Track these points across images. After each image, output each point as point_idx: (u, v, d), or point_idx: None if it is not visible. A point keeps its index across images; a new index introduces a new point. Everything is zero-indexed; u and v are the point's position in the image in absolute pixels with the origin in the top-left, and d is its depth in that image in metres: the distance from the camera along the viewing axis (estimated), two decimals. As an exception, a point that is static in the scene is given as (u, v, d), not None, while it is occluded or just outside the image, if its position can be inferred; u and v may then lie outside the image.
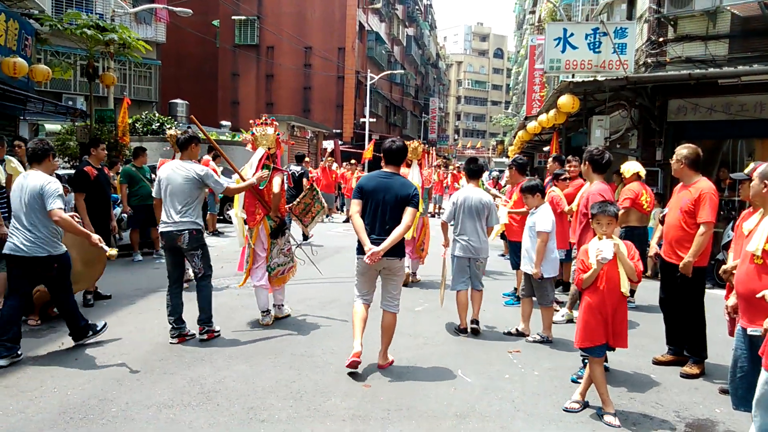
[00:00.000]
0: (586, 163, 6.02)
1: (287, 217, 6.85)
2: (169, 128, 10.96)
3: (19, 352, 5.05)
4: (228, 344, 5.62)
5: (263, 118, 6.79)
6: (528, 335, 6.14)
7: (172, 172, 5.79)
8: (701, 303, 5.29)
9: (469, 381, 4.87)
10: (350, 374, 4.87)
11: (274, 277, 6.50)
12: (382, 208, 4.93)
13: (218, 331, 5.92)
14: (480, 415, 4.20)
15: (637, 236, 7.37)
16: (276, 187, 6.28)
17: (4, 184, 7.17)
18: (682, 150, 5.23)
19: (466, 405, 4.37)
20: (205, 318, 5.83)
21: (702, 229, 5.01)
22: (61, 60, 18.91)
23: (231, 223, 6.53)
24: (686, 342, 5.34)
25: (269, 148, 6.46)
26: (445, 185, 20.62)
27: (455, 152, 72.87)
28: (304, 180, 12.37)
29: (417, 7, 55.89)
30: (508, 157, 32.95)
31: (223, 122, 31.96)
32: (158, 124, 22.24)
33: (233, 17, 36.78)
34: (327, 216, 15.31)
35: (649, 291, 8.67)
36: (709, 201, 4.98)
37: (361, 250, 4.97)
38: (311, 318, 6.68)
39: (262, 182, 6.25)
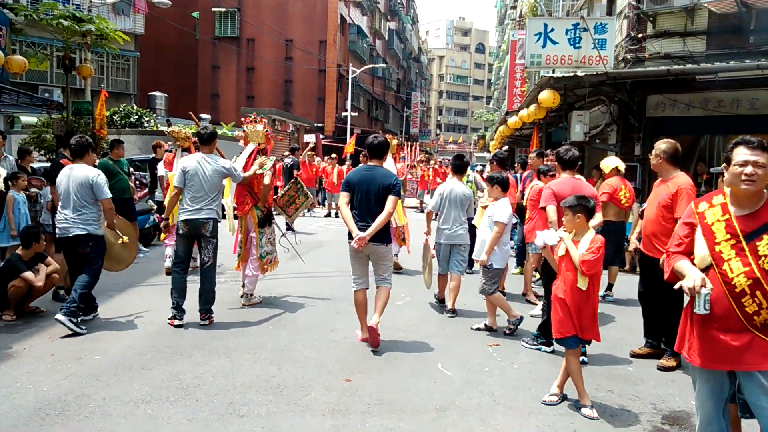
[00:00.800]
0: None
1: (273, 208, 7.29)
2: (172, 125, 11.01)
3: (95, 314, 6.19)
4: (207, 339, 5.58)
5: (252, 116, 7.30)
6: (495, 328, 6.20)
7: (199, 164, 6.19)
8: (679, 297, 5.35)
9: (450, 374, 4.89)
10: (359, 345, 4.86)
11: (266, 264, 7.02)
12: (367, 198, 5.44)
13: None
14: (460, 409, 4.22)
15: (614, 231, 7.46)
16: (267, 179, 6.77)
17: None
18: (661, 145, 5.28)
19: (447, 398, 4.38)
20: (209, 306, 6.23)
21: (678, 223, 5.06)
22: (37, 51, 18.60)
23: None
24: (663, 335, 5.41)
25: (259, 144, 7.06)
26: (426, 179, 20.61)
27: (437, 147, 73.08)
28: (295, 171, 12.65)
29: (399, 0, 55.81)
30: (489, 151, 33.11)
31: (203, 115, 31.58)
32: (136, 117, 21.97)
33: (213, 9, 36.35)
34: (308, 210, 15.40)
35: (628, 285, 8.76)
36: (687, 196, 5.04)
37: (351, 235, 5.43)
38: (292, 313, 6.64)
39: (263, 168, 6.76)
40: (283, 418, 3.97)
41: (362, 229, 5.34)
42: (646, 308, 5.65)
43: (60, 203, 6.04)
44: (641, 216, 5.85)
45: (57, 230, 6.05)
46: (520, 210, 8.28)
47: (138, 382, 4.47)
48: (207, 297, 6.21)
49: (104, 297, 6.98)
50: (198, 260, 6.61)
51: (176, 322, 5.98)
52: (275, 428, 3.83)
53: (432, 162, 23.64)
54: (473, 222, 7.24)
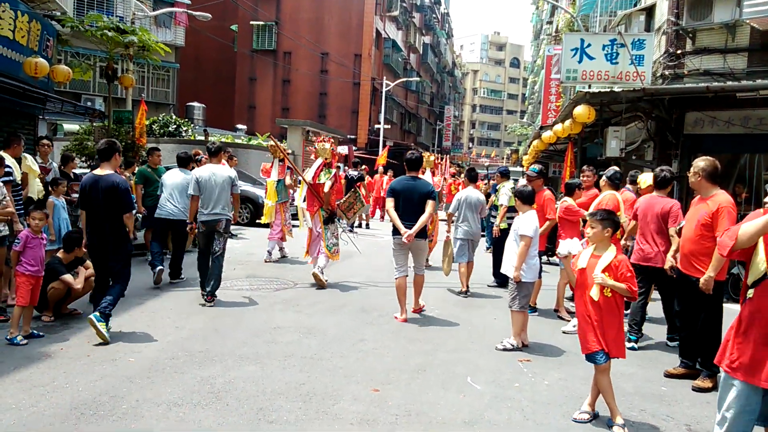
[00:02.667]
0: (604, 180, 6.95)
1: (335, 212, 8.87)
2: (269, 137, 11.92)
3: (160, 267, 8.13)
4: (238, 345, 5.64)
5: (322, 137, 9.41)
6: (527, 344, 6.11)
7: (212, 174, 7.38)
8: (718, 317, 5.24)
9: (479, 388, 4.85)
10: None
11: (333, 253, 8.64)
12: (410, 202, 6.71)
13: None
14: (489, 423, 4.18)
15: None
16: (327, 188, 8.46)
17: (20, 182, 7.27)
18: (700, 162, 5.19)
19: (475, 412, 4.35)
20: (214, 289, 7.28)
21: None
22: (81, 61, 19.15)
23: (240, 224, 9.14)
24: (700, 355, 5.29)
25: (326, 159, 8.72)
26: (453, 193, 20.42)
27: (469, 161, 72.76)
28: (359, 185, 13.73)
29: (434, 15, 56.00)
30: (522, 166, 32.85)
31: (239, 126, 32.20)
32: (175, 127, 22.42)
33: (251, 22, 37.05)
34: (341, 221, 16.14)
35: (660, 303, 8.60)
36: (728, 215, 4.93)
37: (396, 232, 6.76)
38: (321, 322, 6.68)
39: (319, 178, 8.56)
40: (312, 426, 3.98)
41: (407, 227, 6.60)
42: (683, 328, 5.53)
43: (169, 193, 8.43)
44: (678, 234, 5.73)
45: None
46: None
47: (170, 386, 4.55)
48: (215, 280, 7.27)
49: (137, 301, 7.13)
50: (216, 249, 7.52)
51: (206, 298, 7.18)
52: (303, 435, 3.85)
53: (462, 176, 23.49)
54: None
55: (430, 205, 6.70)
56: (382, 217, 20.22)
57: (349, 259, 11.18)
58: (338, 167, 10.41)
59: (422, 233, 6.85)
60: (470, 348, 6.01)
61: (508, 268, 6.12)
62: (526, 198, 6.23)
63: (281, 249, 10.88)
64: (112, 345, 5.47)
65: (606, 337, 4.14)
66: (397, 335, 6.30)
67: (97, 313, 5.57)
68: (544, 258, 8.29)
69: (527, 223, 6.03)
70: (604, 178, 7.43)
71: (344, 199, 9.33)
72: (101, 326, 5.52)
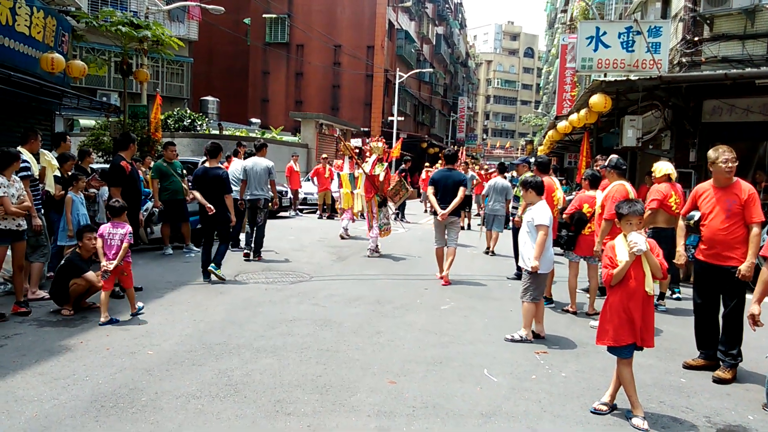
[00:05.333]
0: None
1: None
2: (341, 136, 14.04)
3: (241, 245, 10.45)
4: (255, 338, 5.68)
5: (377, 137, 12.36)
6: (543, 336, 6.08)
7: (255, 164, 9.98)
8: (741, 307, 5.17)
9: (495, 380, 4.84)
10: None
11: (383, 231, 10.90)
12: (446, 189, 8.59)
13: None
14: (506, 415, 4.17)
15: (665, 238, 7.21)
16: (381, 177, 10.71)
17: (37, 177, 7.34)
18: (728, 153, 5.11)
19: (493, 404, 4.34)
20: (258, 249, 9.86)
21: (755, 229, 4.99)
22: (96, 56, 19.30)
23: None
24: (721, 345, 5.23)
25: (378, 155, 10.95)
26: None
27: (483, 152, 72.46)
28: (403, 175, 15.43)
29: (447, 5, 55.65)
30: (536, 156, 32.62)
31: (253, 119, 32.31)
32: (190, 121, 22.55)
33: (264, 15, 37.04)
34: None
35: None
36: (757, 199, 5.04)
37: (435, 213, 8.73)
38: (337, 314, 6.70)
39: (374, 171, 10.78)
40: (329, 418, 4.00)
41: (443, 208, 8.49)
42: (704, 320, 5.46)
43: (252, 180, 9.93)
44: (691, 227, 5.54)
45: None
46: None
47: (189, 378, 4.58)
48: (259, 243, 9.88)
49: (156, 294, 7.19)
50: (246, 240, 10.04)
51: (246, 251, 9.86)
52: (321, 427, 3.86)
53: (477, 167, 23.40)
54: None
55: (461, 190, 8.53)
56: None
57: (364, 252, 11.20)
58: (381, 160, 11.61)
59: (455, 212, 8.64)
60: (486, 340, 6.00)
61: (524, 260, 6.07)
62: (538, 188, 6.13)
63: (346, 229, 13.01)
64: (130, 338, 5.53)
65: (645, 329, 4.12)
66: (413, 327, 6.30)
67: (214, 264, 8.02)
68: (557, 249, 8.18)
69: (542, 212, 5.95)
70: (607, 168, 7.22)
71: (392, 187, 11.10)
72: (219, 272, 8.03)
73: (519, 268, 7.97)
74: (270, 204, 10.09)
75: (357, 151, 11.74)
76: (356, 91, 37.58)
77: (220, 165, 8.45)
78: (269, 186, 10.01)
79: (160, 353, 5.14)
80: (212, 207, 7.99)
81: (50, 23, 10.29)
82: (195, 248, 10.33)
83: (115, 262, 6.18)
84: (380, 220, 10.72)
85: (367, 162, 11.09)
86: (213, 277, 8.08)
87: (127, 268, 6.37)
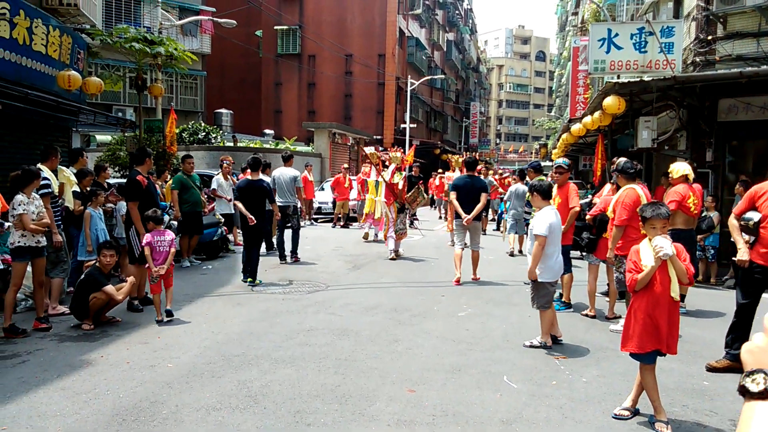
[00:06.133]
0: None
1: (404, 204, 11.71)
2: (367, 147, 14.94)
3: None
4: (273, 349, 5.69)
5: (395, 148, 13.54)
6: (560, 336, 6.02)
7: (282, 174, 10.96)
8: None
9: (515, 387, 4.81)
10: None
11: (400, 234, 11.48)
12: (468, 195, 9.00)
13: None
14: (527, 422, 4.14)
15: (684, 239, 7.12)
16: (400, 186, 11.55)
17: (57, 193, 7.44)
18: None
19: (513, 411, 4.31)
20: (294, 250, 10.81)
21: None
22: (111, 72, 19.55)
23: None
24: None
25: (397, 165, 11.90)
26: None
27: (497, 156, 72.26)
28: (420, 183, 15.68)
29: (457, 11, 55.70)
30: (551, 160, 32.48)
31: (267, 131, 32.52)
32: (204, 134, 22.73)
33: (275, 27, 37.32)
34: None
35: (700, 296, 8.43)
36: None
37: (458, 216, 9.01)
38: (354, 323, 6.70)
39: (394, 179, 11.65)
40: (349, 428, 3.99)
41: (467, 212, 8.81)
42: (744, 320, 5.35)
43: (279, 189, 10.77)
44: (746, 228, 5.35)
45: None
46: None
47: (208, 390, 4.60)
48: (295, 244, 10.81)
49: (174, 307, 7.22)
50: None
51: (292, 258, 10.74)
52: (341, 438, 3.86)
53: (490, 172, 23.24)
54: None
55: (483, 196, 8.96)
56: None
57: (379, 260, 11.20)
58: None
59: (478, 217, 9.09)
60: (505, 347, 5.96)
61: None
62: (544, 192, 5.93)
63: (376, 234, 13.71)
64: (150, 351, 5.57)
65: (670, 335, 4.07)
66: (431, 335, 6.28)
67: (250, 277, 8.72)
68: (577, 253, 8.11)
69: (541, 221, 5.76)
70: (615, 172, 6.99)
71: (410, 194, 11.95)
72: (257, 281, 8.74)
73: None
74: (300, 211, 11.30)
75: (382, 160, 12.58)
76: (368, 99, 37.67)
77: (261, 177, 9.18)
78: (296, 194, 11.01)
79: (179, 366, 5.17)
80: (253, 218, 8.65)
81: (66, 41, 10.45)
82: (195, 260, 10.46)
83: (165, 266, 6.78)
84: (397, 225, 11.42)
85: (386, 171, 11.95)
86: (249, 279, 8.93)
87: (170, 270, 6.95)
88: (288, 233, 10.96)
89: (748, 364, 1.23)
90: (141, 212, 7.27)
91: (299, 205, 11.26)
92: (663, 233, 4.14)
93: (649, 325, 4.07)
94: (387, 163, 12.32)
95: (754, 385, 1.17)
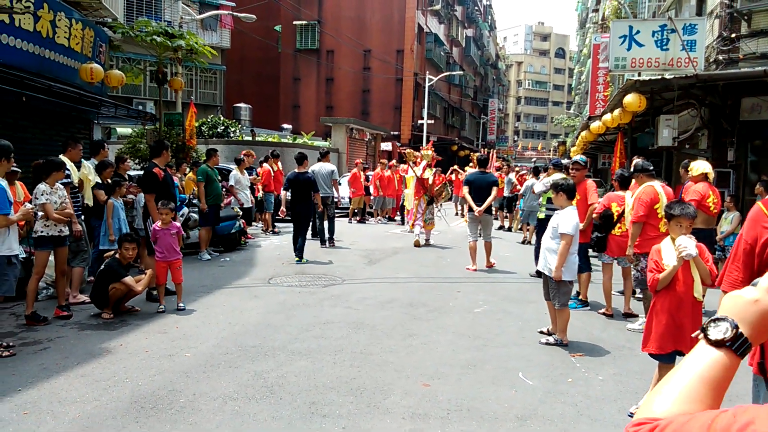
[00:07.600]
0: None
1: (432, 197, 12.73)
2: (407, 149, 16.35)
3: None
4: (290, 341, 5.73)
5: (428, 146, 14.32)
6: (567, 340, 5.99)
7: (320, 168, 12.14)
8: None
9: (531, 383, 4.80)
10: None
11: (429, 224, 12.66)
12: (480, 189, 9.73)
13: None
14: (542, 418, 4.13)
15: (704, 239, 7.05)
16: (430, 180, 12.59)
17: (77, 185, 7.53)
18: None
19: (528, 407, 4.30)
20: (331, 237, 12.12)
21: None
22: (132, 66, 19.74)
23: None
24: None
25: (428, 162, 12.91)
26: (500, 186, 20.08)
27: (515, 154, 71.86)
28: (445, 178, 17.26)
29: (476, 7, 55.42)
30: (569, 158, 32.24)
31: (285, 125, 32.61)
32: (223, 128, 22.86)
33: (294, 22, 37.40)
34: (387, 217, 18.88)
35: (718, 296, 8.31)
36: None
37: (471, 210, 9.77)
38: (370, 317, 6.72)
39: (424, 174, 12.64)
40: (364, 420, 4.02)
41: (478, 205, 9.58)
42: None
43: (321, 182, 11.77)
44: None
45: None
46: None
47: (225, 380, 4.65)
48: (331, 231, 12.11)
49: (192, 298, 7.31)
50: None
51: (328, 244, 12.03)
52: (356, 429, 3.88)
53: (512, 173, 23.05)
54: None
55: (494, 190, 9.77)
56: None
57: (395, 255, 11.22)
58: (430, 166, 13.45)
59: (489, 210, 9.89)
60: (521, 343, 5.95)
61: (544, 265, 5.95)
62: (570, 192, 5.85)
63: (427, 240, 13.76)
64: (168, 341, 5.64)
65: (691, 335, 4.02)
66: (446, 330, 6.28)
67: (298, 256, 9.99)
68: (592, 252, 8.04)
69: (567, 220, 5.69)
70: (634, 173, 6.91)
71: (437, 188, 13.08)
72: (303, 260, 9.96)
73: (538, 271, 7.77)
74: (336, 201, 12.40)
75: (416, 158, 13.47)
76: (386, 95, 37.63)
77: (306, 170, 10.48)
78: (333, 186, 12.15)
79: (197, 355, 5.23)
80: (284, 210, 10.50)
81: (88, 34, 10.57)
82: (214, 253, 10.63)
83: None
84: (426, 215, 12.53)
85: (418, 166, 12.91)
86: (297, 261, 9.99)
87: (177, 264, 7.05)
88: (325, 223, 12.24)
89: (722, 308, 1.20)
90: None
91: (336, 195, 12.25)
92: (687, 233, 4.10)
93: (671, 326, 4.03)
94: (419, 159, 13.17)
95: (716, 332, 1.14)
